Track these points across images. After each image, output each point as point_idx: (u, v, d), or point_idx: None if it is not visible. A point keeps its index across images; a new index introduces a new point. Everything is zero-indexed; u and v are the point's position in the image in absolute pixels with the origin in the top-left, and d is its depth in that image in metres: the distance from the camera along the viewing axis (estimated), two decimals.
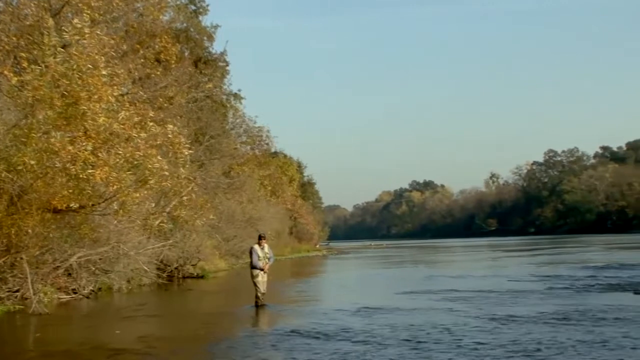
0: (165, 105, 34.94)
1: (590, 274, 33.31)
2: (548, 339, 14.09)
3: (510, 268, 42.12)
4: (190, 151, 26.76)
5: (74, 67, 20.87)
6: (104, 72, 21.38)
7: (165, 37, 34.51)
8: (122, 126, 21.19)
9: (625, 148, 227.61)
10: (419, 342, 14.13)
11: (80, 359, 13.93)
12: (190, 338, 16.28)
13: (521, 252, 73.27)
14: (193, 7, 55.31)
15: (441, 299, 23.34)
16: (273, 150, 75.60)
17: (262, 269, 21.68)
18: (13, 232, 21.40)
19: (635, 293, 23.74)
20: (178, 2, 47.70)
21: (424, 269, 46.19)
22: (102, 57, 21.92)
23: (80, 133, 20.56)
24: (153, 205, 27.73)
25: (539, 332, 15.16)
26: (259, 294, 21.71)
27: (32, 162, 19.69)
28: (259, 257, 21.74)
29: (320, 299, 27.97)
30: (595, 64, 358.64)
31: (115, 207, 23.01)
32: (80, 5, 26.13)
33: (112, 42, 24.84)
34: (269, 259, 22.03)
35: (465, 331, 15.47)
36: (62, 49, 21.85)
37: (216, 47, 69.80)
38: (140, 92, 30.63)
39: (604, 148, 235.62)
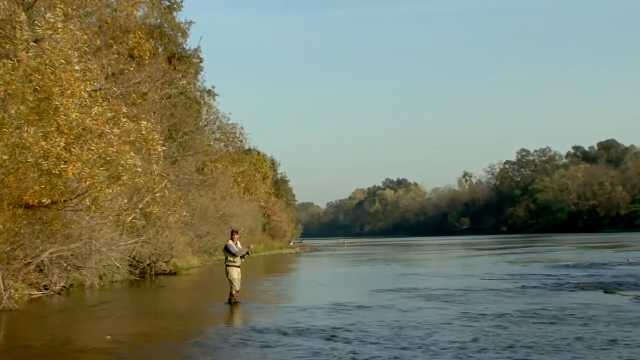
0: (139, 101, 34.74)
1: (561, 272, 33.55)
2: (521, 336, 14.20)
3: (483, 266, 42.30)
4: (164, 147, 26.67)
5: (47, 61, 20.71)
6: (76, 67, 21.24)
7: (139, 32, 34.29)
8: (95, 122, 21.05)
9: (596, 148, 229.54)
10: (394, 339, 14.18)
11: (50, 357, 13.80)
12: (164, 335, 16.20)
13: (494, 250, 73.66)
14: (167, 3, 55.06)
15: (415, 297, 23.42)
16: (246, 147, 75.56)
17: (243, 256, 21.95)
18: None
19: (605, 292, 23.95)
20: None
21: (397, 267, 46.31)
22: (75, 52, 21.77)
23: (53, 128, 20.40)
24: (126, 201, 27.55)
25: (512, 329, 15.26)
26: (234, 292, 21.72)
27: (4, 157, 19.51)
28: (235, 249, 21.96)
29: (295, 296, 27.99)
30: (567, 65, 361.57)
31: (88, 203, 22.83)
32: None
33: (85, 37, 24.67)
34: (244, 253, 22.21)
35: (438, 329, 15.54)
36: (34, 44, 21.66)
37: (190, 44, 69.49)
38: (114, 88, 30.43)
39: (576, 148, 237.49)
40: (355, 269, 45.99)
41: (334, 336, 14.75)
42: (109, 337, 14.07)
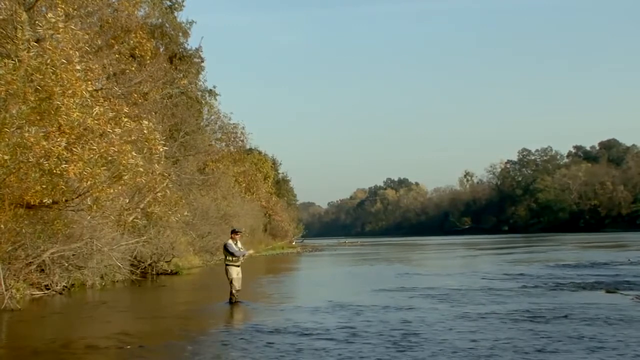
0: (140, 101, 34.76)
1: (562, 272, 33.55)
2: (522, 336, 14.20)
3: (484, 266, 42.29)
4: (165, 147, 26.62)
5: (48, 61, 20.69)
6: (78, 67, 21.22)
7: (140, 32, 34.30)
8: (96, 121, 21.04)
9: (598, 147, 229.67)
10: (393, 338, 14.17)
11: (51, 358, 13.79)
12: (164, 334, 16.20)
13: (495, 250, 73.64)
14: (168, 3, 55.02)
15: (416, 296, 23.40)
16: (248, 147, 75.52)
17: (243, 255, 22.01)
18: None
19: (607, 292, 23.95)
20: None
21: (398, 266, 46.25)
22: (77, 52, 21.75)
23: (54, 128, 20.39)
24: (127, 201, 27.54)
25: (513, 329, 15.26)
26: (234, 291, 21.74)
27: (6, 157, 19.50)
28: (235, 248, 21.97)
29: (296, 296, 27.95)
30: (569, 64, 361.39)
31: (89, 203, 22.82)
32: None
33: (87, 37, 24.65)
34: (243, 254, 22.22)
35: (438, 329, 15.53)
36: (35, 43, 21.63)
37: (191, 44, 69.46)
38: (115, 88, 30.45)
39: (577, 147, 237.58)
40: (357, 269, 45.90)
41: (335, 336, 14.76)
42: (129, 346, 13.96)
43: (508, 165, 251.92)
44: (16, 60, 20.80)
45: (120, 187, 23.03)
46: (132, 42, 33.77)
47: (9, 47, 23.34)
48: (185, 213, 34.07)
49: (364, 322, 16.82)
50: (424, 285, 27.26)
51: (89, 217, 26.59)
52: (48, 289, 26.06)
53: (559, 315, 17.48)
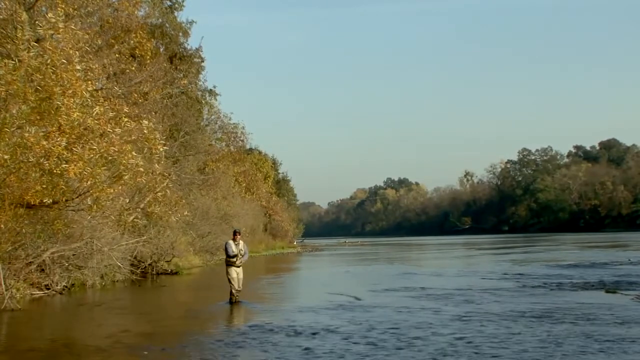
0: (140, 100, 34.76)
1: (562, 272, 33.55)
2: (523, 336, 14.19)
3: (485, 266, 42.29)
4: (165, 147, 26.60)
5: (48, 61, 20.68)
6: (78, 67, 21.21)
7: (141, 32, 34.29)
8: (96, 121, 21.02)
9: (598, 147, 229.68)
10: (394, 339, 14.14)
11: (51, 357, 13.77)
12: (165, 334, 16.19)
13: (495, 250, 73.63)
14: (168, 3, 54.96)
15: (416, 296, 23.40)
16: (248, 147, 75.57)
17: (235, 256, 21.85)
18: None
19: (607, 292, 23.95)
20: None
21: (399, 266, 46.26)
22: (77, 51, 21.74)
23: (54, 128, 20.37)
24: (127, 201, 27.54)
25: (514, 329, 15.24)
26: (233, 291, 21.74)
27: (6, 157, 19.49)
28: (232, 250, 21.91)
29: (296, 295, 27.95)
30: (569, 64, 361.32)
31: (89, 203, 22.79)
32: None
33: (87, 36, 24.64)
34: (242, 254, 22.12)
35: (440, 328, 15.50)
36: (35, 43, 21.62)
37: (191, 43, 69.40)
38: (115, 88, 30.43)
39: (577, 147, 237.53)
40: (359, 269, 45.81)
41: (372, 340, 14.64)
42: (146, 352, 13.83)
43: (508, 165, 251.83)
44: (16, 60, 20.80)
45: (120, 187, 23.00)
46: (132, 42, 33.76)
47: (9, 47, 23.31)
48: (185, 213, 34.06)
49: (405, 324, 16.53)
50: (437, 286, 27.09)
51: (89, 217, 26.60)
52: (48, 289, 26.05)
53: (556, 315, 17.45)
